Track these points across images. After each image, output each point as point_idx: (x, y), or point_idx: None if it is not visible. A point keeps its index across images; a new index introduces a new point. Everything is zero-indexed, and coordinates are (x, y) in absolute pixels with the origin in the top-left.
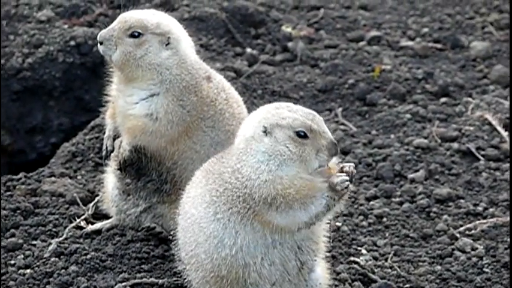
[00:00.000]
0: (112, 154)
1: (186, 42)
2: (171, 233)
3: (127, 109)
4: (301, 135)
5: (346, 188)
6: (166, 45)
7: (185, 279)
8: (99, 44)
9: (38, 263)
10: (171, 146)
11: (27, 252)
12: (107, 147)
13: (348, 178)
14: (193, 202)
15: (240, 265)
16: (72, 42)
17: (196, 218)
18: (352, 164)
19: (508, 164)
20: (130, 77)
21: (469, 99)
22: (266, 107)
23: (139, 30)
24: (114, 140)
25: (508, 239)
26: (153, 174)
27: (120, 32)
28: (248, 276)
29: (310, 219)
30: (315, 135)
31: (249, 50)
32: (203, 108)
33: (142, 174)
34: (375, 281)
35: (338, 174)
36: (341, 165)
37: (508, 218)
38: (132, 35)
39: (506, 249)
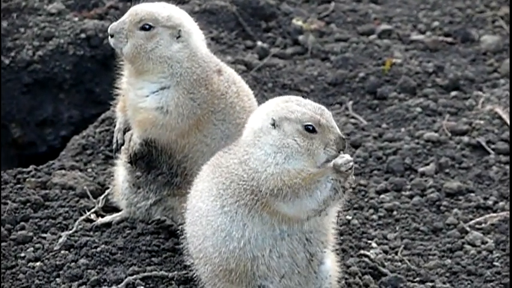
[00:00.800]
0: (122, 147)
1: (196, 35)
2: (181, 226)
3: (137, 102)
4: (310, 129)
5: (350, 168)
6: (177, 38)
7: (195, 272)
8: (109, 37)
9: (47, 256)
10: (181, 139)
11: (37, 245)
12: (117, 140)
13: (351, 158)
14: (201, 196)
15: (249, 258)
16: (83, 35)
17: (203, 211)
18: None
19: None
20: (140, 70)
21: (480, 93)
22: (275, 99)
23: (150, 23)
24: (124, 133)
25: None
26: (164, 167)
27: (131, 24)
28: (257, 269)
29: (318, 205)
30: (323, 129)
31: (259, 43)
32: (214, 101)
33: (152, 167)
34: (385, 275)
35: (341, 155)
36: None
37: None
38: (143, 28)
39: None
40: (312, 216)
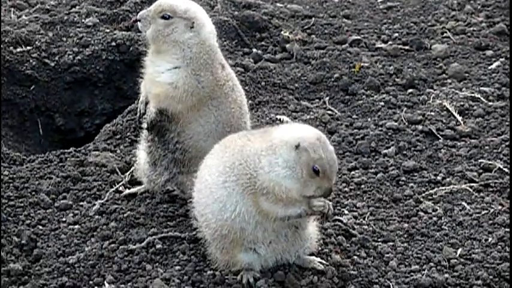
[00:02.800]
0: (143, 117)
1: (208, 29)
2: (189, 196)
3: (155, 76)
4: (316, 171)
5: (321, 211)
6: (191, 28)
7: (201, 233)
8: (138, 22)
9: (84, 220)
10: (186, 112)
11: (76, 212)
12: (140, 110)
13: (326, 205)
14: (209, 170)
15: (238, 228)
16: (113, 43)
17: (208, 183)
18: (331, 207)
19: (462, 142)
20: (159, 50)
21: (431, 90)
22: (312, 130)
23: (170, 14)
24: (146, 104)
25: (463, 202)
26: (170, 142)
27: (154, 13)
28: (245, 238)
29: (284, 217)
30: (324, 177)
31: (254, 50)
32: (214, 88)
33: (163, 141)
34: (355, 236)
35: (321, 199)
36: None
37: (463, 185)
38: (163, 17)
39: (460, 210)
40: (276, 220)
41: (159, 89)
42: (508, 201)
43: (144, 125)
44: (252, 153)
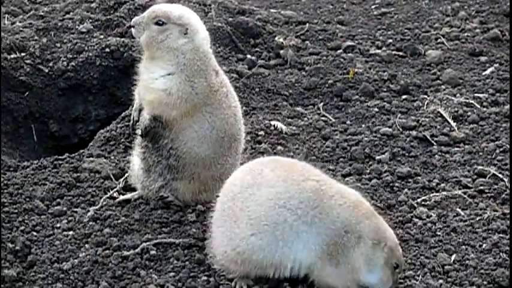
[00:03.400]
0: (137, 124)
1: (202, 35)
2: (183, 202)
3: (149, 83)
4: (394, 267)
5: None
6: (185, 34)
7: (196, 238)
8: (132, 28)
9: (78, 226)
10: (180, 119)
11: (70, 218)
12: (133, 118)
13: None
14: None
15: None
16: (107, 50)
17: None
18: None
19: (456, 148)
20: (153, 56)
21: (425, 96)
22: (390, 232)
23: (163, 20)
24: (140, 112)
25: (457, 208)
26: (164, 148)
27: (148, 19)
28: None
29: None
30: (397, 274)
31: (248, 56)
32: (208, 94)
33: (157, 147)
34: None
35: None
36: None
37: (457, 191)
38: (157, 23)
39: (454, 216)
40: None
41: (153, 96)
42: (502, 207)
43: (138, 132)
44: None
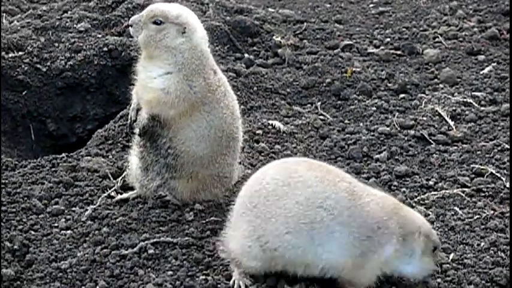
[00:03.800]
0: (134, 123)
1: (200, 34)
2: (181, 201)
3: (147, 82)
4: (433, 249)
5: None
6: (183, 33)
7: (194, 237)
8: (130, 27)
9: (76, 226)
10: (178, 118)
11: (68, 217)
12: (131, 117)
13: None
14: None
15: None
16: (105, 49)
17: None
18: None
19: (454, 147)
20: (151, 55)
21: (423, 95)
22: (425, 225)
23: (161, 19)
24: (137, 111)
25: (455, 207)
26: (162, 147)
27: (146, 18)
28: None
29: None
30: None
31: (246, 55)
32: (206, 93)
33: (155, 146)
34: None
35: None
36: None
37: (455, 190)
38: (155, 22)
39: (452, 215)
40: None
41: (151, 95)
42: (500, 206)
43: (136, 131)
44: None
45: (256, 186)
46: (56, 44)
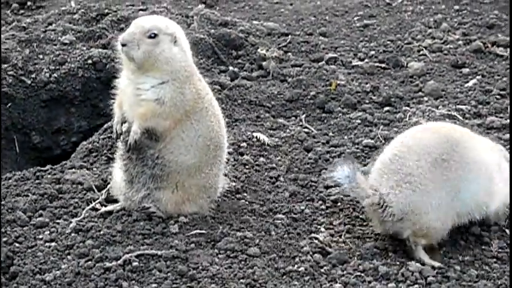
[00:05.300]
0: (121, 137)
1: (185, 42)
2: (164, 213)
3: (139, 95)
4: None
5: None
6: (175, 42)
7: (179, 250)
8: (121, 47)
9: (61, 238)
10: (172, 127)
11: (52, 229)
12: (116, 131)
13: None
14: None
15: None
16: (90, 61)
17: None
18: None
19: None
20: (147, 69)
21: (407, 108)
22: None
23: (155, 32)
24: (122, 124)
25: None
26: (149, 158)
27: (140, 35)
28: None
29: None
30: None
31: (231, 68)
32: (197, 100)
33: (141, 158)
34: (331, 253)
35: None
36: None
37: None
38: (150, 36)
39: None
40: None
41: (145, 108)
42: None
43: (124, 147)
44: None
45: (423, 153)
46: (41, 56)
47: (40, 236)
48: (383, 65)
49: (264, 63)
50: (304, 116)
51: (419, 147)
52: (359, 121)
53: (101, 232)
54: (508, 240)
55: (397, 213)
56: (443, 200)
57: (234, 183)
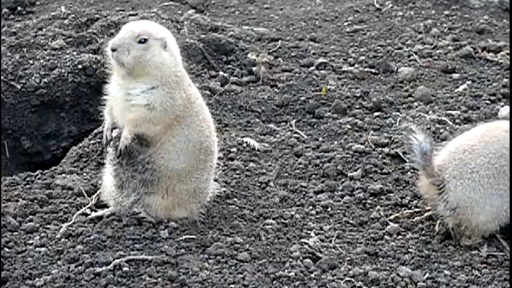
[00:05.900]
0: (111, 143)
1: (175, 47)
2: (154, 218)
3: (128, 100)
4: None
5: None
6: (165, 47)
7: (169, 255)
8: (111, 52)
9: (51, 243)
10: (163, 133)
11: (43, 234)
12: (106, 137)
13: None
14: None
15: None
16: (80, 66)
17: None
18: None
19: None
20: (137, 74)
21: (397, 113)
22: None
23: (145, 37)
24: (112, 131)
25: (429, 225)
26: (140, 163)
27: (130, 40)
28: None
29: None
30: None
31: (221, 73)
32: (187, 105)
33: (132, 163)
34: (321, 258)
35: None
36: None
37: (428, 208)
38: (140, 42)
39: (428, 232)
40: None
41: (135, 113)
42: None
43: (115, 152)
44: None
45: (491, 150)
46: (31, 62)
47: (30, 241)
48: (373, 70)
49: (254, 68)
50: (294, 121)
51: (492, 148)
52: (349, 126)
53: (91, 237)
54: (497, 245)
55: (451, 202)
56: (498, 208)
57: (224, 189)
